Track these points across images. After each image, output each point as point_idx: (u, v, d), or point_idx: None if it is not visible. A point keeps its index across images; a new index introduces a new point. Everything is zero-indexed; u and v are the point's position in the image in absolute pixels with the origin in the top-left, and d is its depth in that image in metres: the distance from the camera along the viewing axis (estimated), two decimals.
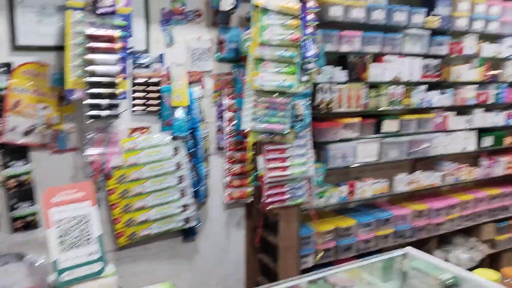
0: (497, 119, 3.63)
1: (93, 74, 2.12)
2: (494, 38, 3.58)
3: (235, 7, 2.48)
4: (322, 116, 2.84)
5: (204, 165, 2.64)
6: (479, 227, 3.60)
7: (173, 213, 2.55)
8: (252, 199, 2.81)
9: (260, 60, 2.43)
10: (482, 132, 3.56)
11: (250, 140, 2.54)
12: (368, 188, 3.10)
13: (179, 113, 2.53)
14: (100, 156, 2.28)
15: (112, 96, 2.18)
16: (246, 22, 2.62)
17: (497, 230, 3.69)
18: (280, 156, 2.62)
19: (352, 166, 2.97)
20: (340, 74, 2.86)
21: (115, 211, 2.43)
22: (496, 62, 3.65)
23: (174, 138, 2.54)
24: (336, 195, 2.96)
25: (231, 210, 2.88)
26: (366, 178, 3.14)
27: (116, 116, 2.22)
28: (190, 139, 2.58)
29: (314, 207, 2.84)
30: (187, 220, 2.60)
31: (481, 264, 3.55)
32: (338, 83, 2.84)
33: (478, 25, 3.38)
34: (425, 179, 3.31)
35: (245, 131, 2.52)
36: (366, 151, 3.01)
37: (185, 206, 2.59)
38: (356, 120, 2.94)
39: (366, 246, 3.02)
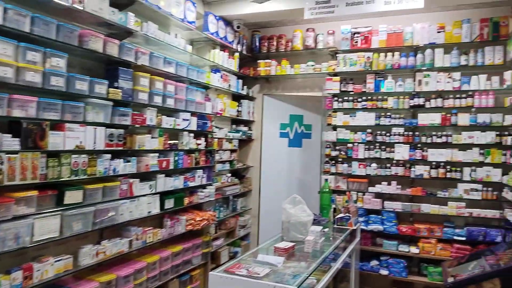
0: (177, 182, 4.09)
1: None
2: (171, 111, 4.11)
3: None
4: None
5: None
6: (166, 285, 3.84)
7: None
8: None
9: None
10: (164, 195, 3.91)
11: None
12: (49, 268, 2.76)
13: None
14: None
15: None
16: None
17: (181, 284, 4.06)
18: None
19: (28, 246, 2.58)
20: (11, 142, 2.50)
21: None
22: (174, 133, 4.18)
23: None
24: (8, 284, 2.47)
25: None
26: (46, 257, 2.79)
27: None
28: None
29: None
30: None
31: None
32: (9, 152, 2.47)
33: (157, 100, 3.79)
34: (112, 247, 3.26)
35: None
36: (46, 227, 2.70)
37: None
38: (33, 193, 2.61)
39: None
